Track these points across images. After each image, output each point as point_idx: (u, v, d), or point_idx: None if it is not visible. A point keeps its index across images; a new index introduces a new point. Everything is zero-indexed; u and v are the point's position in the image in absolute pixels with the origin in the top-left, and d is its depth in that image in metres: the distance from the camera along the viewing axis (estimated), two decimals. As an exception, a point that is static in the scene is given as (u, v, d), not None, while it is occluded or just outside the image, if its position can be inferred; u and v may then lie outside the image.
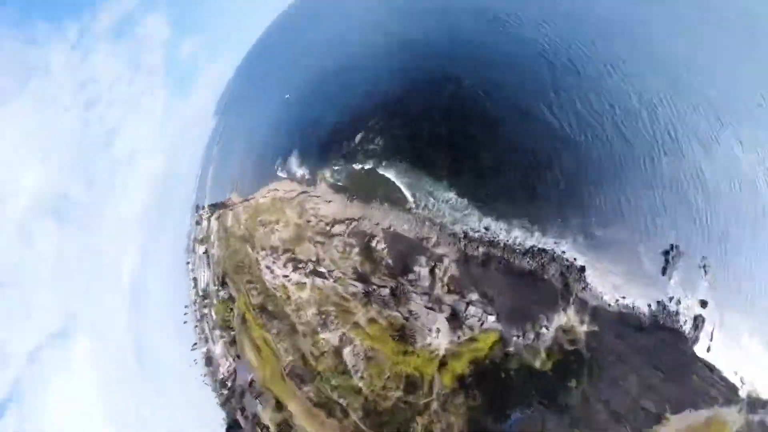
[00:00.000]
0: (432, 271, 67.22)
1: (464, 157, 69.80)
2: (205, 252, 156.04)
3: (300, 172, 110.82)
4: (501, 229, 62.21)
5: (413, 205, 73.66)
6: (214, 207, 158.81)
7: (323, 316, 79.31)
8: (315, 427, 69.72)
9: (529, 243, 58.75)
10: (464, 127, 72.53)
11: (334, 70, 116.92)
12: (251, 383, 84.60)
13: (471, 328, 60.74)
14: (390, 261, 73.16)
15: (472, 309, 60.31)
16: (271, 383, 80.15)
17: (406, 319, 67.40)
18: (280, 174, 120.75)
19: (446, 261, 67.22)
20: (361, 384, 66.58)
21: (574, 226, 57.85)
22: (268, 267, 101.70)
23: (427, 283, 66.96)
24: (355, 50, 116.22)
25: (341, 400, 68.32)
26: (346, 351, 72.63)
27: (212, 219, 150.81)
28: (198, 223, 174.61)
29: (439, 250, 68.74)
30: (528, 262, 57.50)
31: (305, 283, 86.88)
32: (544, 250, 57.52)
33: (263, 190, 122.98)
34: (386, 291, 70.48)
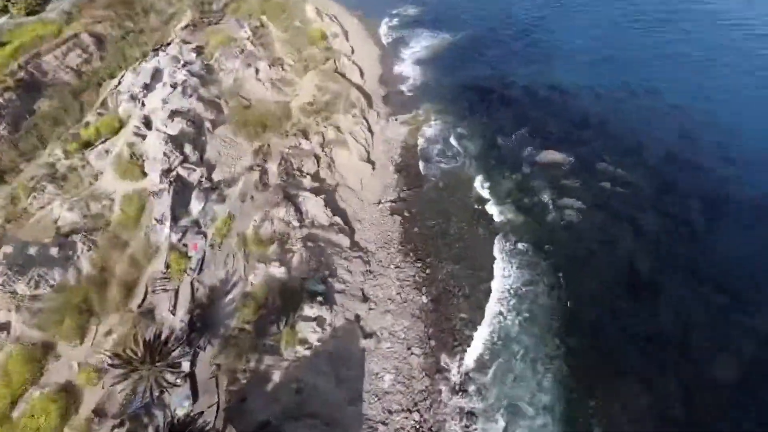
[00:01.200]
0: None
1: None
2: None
3: (411, 69, 59.84)
4: None
5: (456, 381, 28.36)
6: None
7: (77, 245, 31.21)
8: None
9: None
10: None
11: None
12: None
13: None
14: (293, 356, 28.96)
15: None
16: None
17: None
18: (383, 36, 68.07)
19: None
20: None
21: None
22: (176, 56, 48.91)
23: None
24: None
25: None
26: None
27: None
28: None
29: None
30: None
31: (172, 175, 37.24)
32: None
33: (347, 18, 68.24)
34: (182, 377, 26.13)
